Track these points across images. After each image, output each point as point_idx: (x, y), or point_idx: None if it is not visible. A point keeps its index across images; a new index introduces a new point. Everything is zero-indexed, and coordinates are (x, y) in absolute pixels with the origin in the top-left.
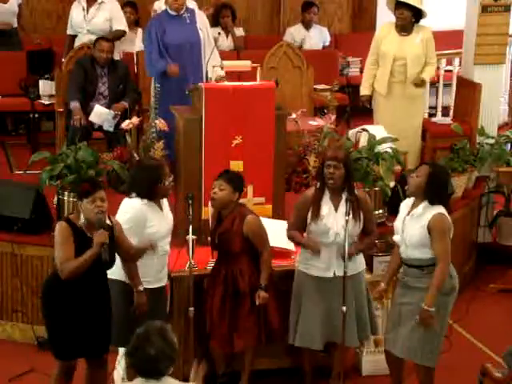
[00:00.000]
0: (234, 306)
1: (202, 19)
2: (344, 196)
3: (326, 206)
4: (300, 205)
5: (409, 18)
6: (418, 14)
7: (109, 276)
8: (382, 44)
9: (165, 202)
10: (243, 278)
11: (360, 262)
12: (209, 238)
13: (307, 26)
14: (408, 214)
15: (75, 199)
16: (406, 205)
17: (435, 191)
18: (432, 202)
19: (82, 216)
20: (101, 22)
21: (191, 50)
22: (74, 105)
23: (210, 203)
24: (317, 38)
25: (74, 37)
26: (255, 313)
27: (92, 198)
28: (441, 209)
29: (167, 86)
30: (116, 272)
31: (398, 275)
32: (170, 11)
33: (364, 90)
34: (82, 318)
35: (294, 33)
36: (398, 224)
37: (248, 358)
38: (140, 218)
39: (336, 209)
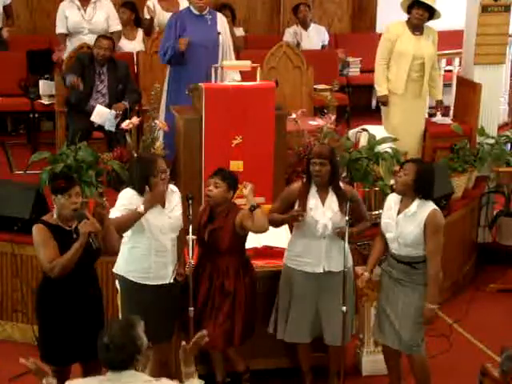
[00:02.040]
0: (219, 303)
1: (222, 23)
2: (330, 190)
3: (313, 200)
4: (283, 196)
5: (426, 19)
6: (430, 14)
7: (113, 270)
8: (397, 43)
9: (174, 197)
10: (229, 277)
11: (349, 258)
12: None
13: (304, 25)
14: (399, 212)
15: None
16: (393, 202)
17: (424, 187)
18: (424, 198)
19: (54, 212)
20: (101, 21)
21: (207, 52)
22: (70, 75)
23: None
24: (315, 37)
25: (67, 35)
26: (235, 312)
27: (68, 194)
28: (433, 205)
29: (178, 85)
30: (119, 267)
31: (382, 266)
32: (192, 10)
33: (383, 91)
34: (76, 323)
35: (292, 33)
36: (389, 222)
37: (233, 357)
38: (129, 206)
39: (323, 202)
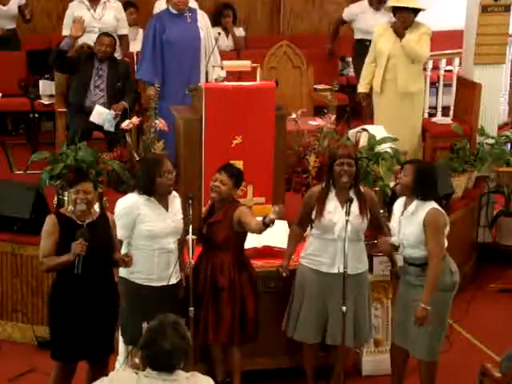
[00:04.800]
0: (212, 299)
1: (203, 19)
2: (351, 193)
3: (332, 203)
4: (305, 201)
5: (412, 18)
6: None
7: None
8: (378, 43)
9: (176, 202)
10: (223, 273)
11: (364, 261)
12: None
13: (378, 6)
14: (402, 213)
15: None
16: (399, 205)
17: (424, 187)
18: (423, 199)
19: (70, 204)
20: (111, 20)
21: (190, 49)
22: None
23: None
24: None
25: None
26: (231, 309)
27: (76, 189)
28: (434, 204)
29: (167, 85)
30: (122, 269)
31: (398, 273)
32: (171, 10)
33: (360, 88)
34: (86, 321)
35: (358, 10)
36: (394, 225)
37: (236, 359)
38: (131, 211)
39: (342, 206)
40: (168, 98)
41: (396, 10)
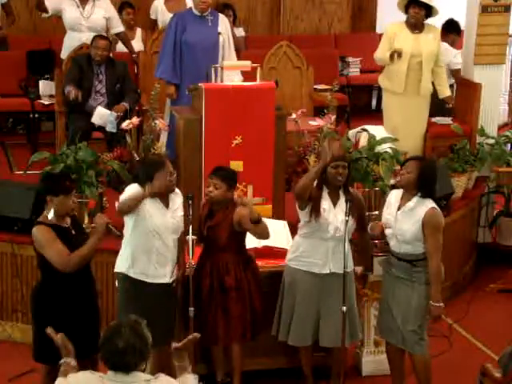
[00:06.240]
0: (221, 300)
1: (224, 24)
2: (341, 193)
3: (326, 202)
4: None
5: (423, 16)
6: (428, 12)
7: (114, 270)
8: (395, 42)
9: (177, 199)
10: (229, 273)
11: (351, 260)
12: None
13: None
14: (399, 208)
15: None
16: (394, 198)
17: (427, 185)
18: (424, 196)
19: (51, 211)
20: (99, 18)
21: (206, 53)
22: (69, 86)
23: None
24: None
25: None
26: (240, 307)
27: (71, 194)
28: (432, 203)
29: (183, 87)
30: (120, 264)
31: (382, 266)
32: (194, 11)
33: (386, 53)
34: (69, 322)
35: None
36: (389, 218)
37: (236, 357)
38: (137, 193)
39: (334, 205)
40: (182, 100)
41: (410, 4)
